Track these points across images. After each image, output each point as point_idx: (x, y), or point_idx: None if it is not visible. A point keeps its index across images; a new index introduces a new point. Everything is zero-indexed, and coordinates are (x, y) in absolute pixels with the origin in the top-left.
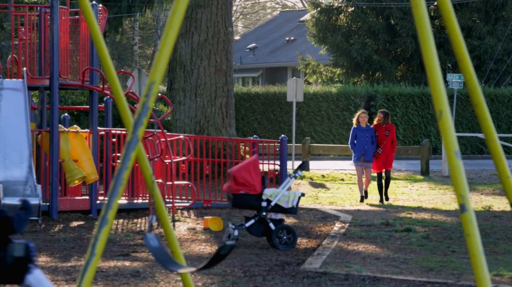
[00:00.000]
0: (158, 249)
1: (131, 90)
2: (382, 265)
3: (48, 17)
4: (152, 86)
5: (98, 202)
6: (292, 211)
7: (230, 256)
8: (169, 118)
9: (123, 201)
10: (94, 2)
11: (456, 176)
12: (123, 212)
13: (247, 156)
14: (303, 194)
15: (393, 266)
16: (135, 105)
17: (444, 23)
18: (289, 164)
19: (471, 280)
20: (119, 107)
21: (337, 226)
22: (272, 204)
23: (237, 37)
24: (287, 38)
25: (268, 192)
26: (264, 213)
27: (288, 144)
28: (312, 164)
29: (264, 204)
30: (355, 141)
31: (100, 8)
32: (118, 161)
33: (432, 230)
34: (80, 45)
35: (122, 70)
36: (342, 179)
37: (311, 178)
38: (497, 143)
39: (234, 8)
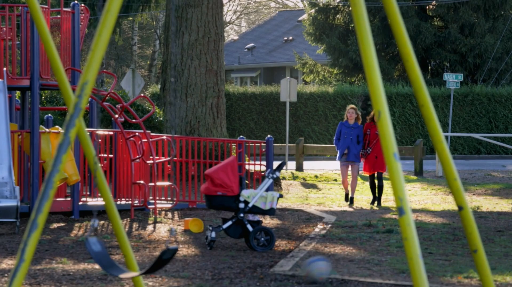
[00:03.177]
0: (100, 253)
1: (112, 91)
2: (355, 267)
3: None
4: (84, 87)
5: (80, 203)
6: (271, 212)
7: (205, 258)
8: (161, 118)
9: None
10: (76, 1)
11: (395, 179)
12: (105, 213)
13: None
14: (281, 195)
15: (365, 268)
16: (116, 106)
17: (389, 23)
18: None
19: (439, 283)
20: (66, 101)
21: (318, 227)
22: (250, 205)
23: (235, 37)
24: (285, 38)
25: (245, 194)
26: (241, 215)
27: (282, 145)
28: (306, 164)
29: (241, 205)
30: (340, 138)
31: (82, 7)
32: (105, 161)
33: None
34: (62, 45)
35: (121, 70)
36: (335, 180)
37: (304, 179)
38: (444, 145)
39: (236, 7)
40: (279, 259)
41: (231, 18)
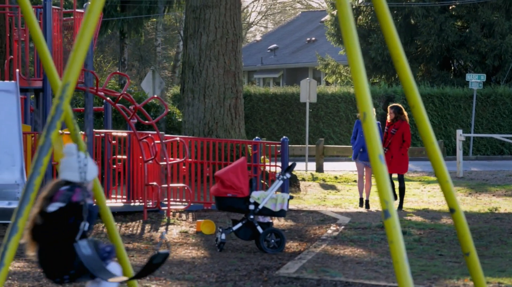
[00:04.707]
0: (90, 257)
1: (125, 92)
2: (362, 269)
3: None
4: (66, 88)
5: (94, 205)
6: (281, 214)
7: (213, 260)
8: (180, 119)
9: (119, 204)
10: (89, 2)
11: (380, 181)
12: (120, 215)
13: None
14: (291, 197)
15: (372, 271)
16: (130, 107)
17: (380, 23)
18: (302, 166)
19: (444, 285)
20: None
21: (331, 229)
22: (260, 207)
23: (258, 38)
24: (308, 39)
25: (255, 195)
26: (251, 216)
27: (302, 146)
28: (327, 165)
29: (251, 207)
30: (356, 137)
31: None
32: (119, 163)
33: (427, 232)
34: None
35: (144, 71)
36: (355, 181)
37: (323, 180)
38: (435, 146)
39: (261, 8)
40: (287, 261)
41: (255, 18)
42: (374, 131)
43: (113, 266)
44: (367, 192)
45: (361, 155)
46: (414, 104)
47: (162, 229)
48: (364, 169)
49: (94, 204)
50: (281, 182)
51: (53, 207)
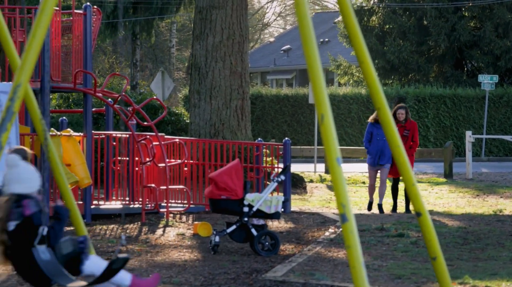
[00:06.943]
0: (48, 262)
1: (123, 93)
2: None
3: None
4: (17, 89)
5: (92, 207)
6: (275, 216)
7: (205, 263)
8: (188, 121)
9: (117, 205)
10: (88, 3)
11: (337, 184)
12: (119, 217)
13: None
14: (286, 199)
15: None
16: (128, 108)
17: (345, 25)
18: (311, 167)
19: None
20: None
21: (329, 231)
22: (254, 209)
23: (271, 39)
24: (321, 40)
25: (250, 197)
26: (246, 219)
27: (311, 147)
28: None
29: (246, 209)
30: (370, 141)
31: (94, 9)
32: (119, 164)
33: None
34: (73, 47)
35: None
36: (363, 182)
37: (331, 181)
38: (401, 149)
39: (278, 9)
40: (279, 264)
41: (269, 20)
42: (332, 134)
43: (93, 259)
44: (381, 194)
45: (380, 159)
46: (380, 106)
47: (159, 231)
48: (379, 172)
49: (63, 206)
50: (276, 184)
51: (11, 226)
